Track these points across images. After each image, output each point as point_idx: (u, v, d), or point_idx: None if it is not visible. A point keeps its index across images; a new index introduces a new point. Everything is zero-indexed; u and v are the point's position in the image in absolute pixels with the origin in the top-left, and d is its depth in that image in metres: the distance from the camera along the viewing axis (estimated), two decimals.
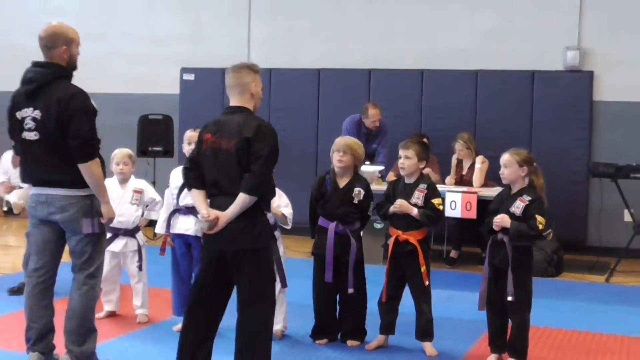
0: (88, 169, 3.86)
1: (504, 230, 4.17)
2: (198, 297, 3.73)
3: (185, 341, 3.75)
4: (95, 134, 3.92)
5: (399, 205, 4.53)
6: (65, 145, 3.85)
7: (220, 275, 3.69)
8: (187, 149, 4.83)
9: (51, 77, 3.93)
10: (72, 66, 4.08)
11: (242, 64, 3.84)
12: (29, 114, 3.92)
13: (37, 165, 3.97)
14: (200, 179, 3.74)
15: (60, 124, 3.84)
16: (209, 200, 3.76)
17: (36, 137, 3.91)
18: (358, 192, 4.68)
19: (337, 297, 4.78)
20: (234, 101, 3.80)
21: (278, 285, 4.48)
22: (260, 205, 3.69)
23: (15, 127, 4.00)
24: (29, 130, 3.93)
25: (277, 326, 4.72)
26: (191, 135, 4.84)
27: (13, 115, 4.00)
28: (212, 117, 3.89)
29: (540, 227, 4.14)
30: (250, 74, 3.79)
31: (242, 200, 3.58)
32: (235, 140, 3.61)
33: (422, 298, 4.56)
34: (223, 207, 3.60)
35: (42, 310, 4.01)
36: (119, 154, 5.25)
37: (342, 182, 4.73)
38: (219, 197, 3.66)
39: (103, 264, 4.19)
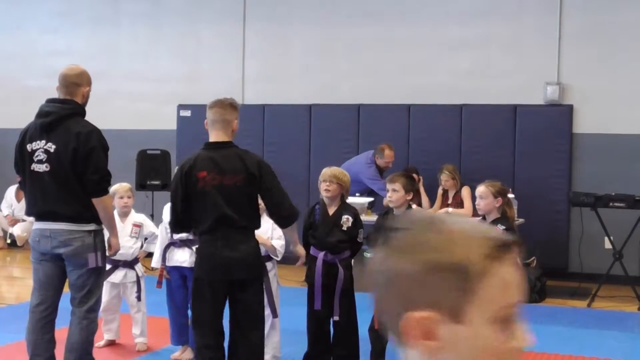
0: (102, 203, 3.95)
1: None
2: (208, 329, 3.87)
3: None
4: (107, 170, 4.07)
5: None
6: (82, 179, 3.90)
7: (223, 303, 3.89)
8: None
9: (69, 112, 4.01)
10: (85, 106, 4.22)
11: (226, 100, 3.98)
12: (40, 146, 3.95)
13: (44, 197, 3.99)
14: (190, 222, 3.96)
15: (77, 158, 3.88)
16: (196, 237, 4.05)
17: (47, 169, 3.93)
18: (346, 220, 4.78)
19: (331, 324, 4.88)
20: (217, 136, 3.91)
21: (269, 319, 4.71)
22: (253, 235, 3.94)
23: (24, 159, 4.03)
24: (39, 162, 3.95)
25: (267, 356, 4.88)
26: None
27: (23, 148, 4.05)
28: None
29: None
30: (234, 111, 3.97)
31: (290, 232, 4.15)
32: (242, 176, 3.78)
33: None
34: (233, 239, 3.80)
35: (45, 344, 4.07)
36: (122, 189, 5.37)
37: (331, 211, 4.84)
38: (225, 230, 3.80)
39: (101, 296, 4.27)
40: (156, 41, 10.15)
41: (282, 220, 3.95)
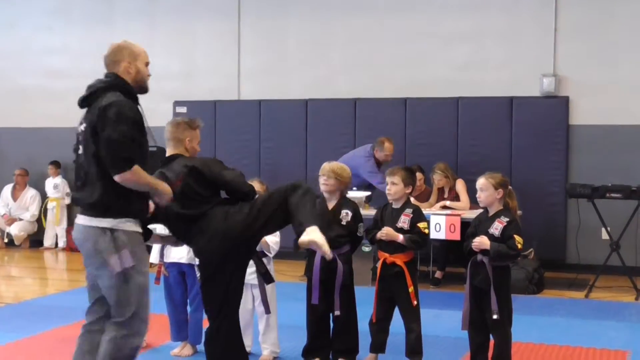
0: (125, 180, 3.39)
1: (483, 251, 4.30)
2: None
3: None
4: (129, 141, 3.41)
5: (386, 233, 4.67)
6: (99, 159, 3.43)
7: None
8: None
9: (104, 86, 3.54)
10: (139, 84, 3.67)
11: (181, 120, 4.17)
12: (83, 126, 3.57)
13: (76, 185, 3.61)
14: None
15: (94, 137, 3.45)
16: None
17: (80, 153, 3.57)
18: (345, 214, 4.79)
19: (330, 317, 4.87)
20: (169, 152, 4.13)
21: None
22: None
23: (76, 141, 3.65)
24: (80, 143, 3.57)
25: (265, 352, 4.93)
26: None
27: (77, 129, 3.65)
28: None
29: (519, 246, 4.27)
30: (187, 130, 4.12)
31: None
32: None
33: (411, 317, 4.67)
34: None
35: (80, 356, 3.62)
36: None
37: (330, 205, 4.85)
38: None
39: (144, 305, 3.52)
40: (151, 38, 10.11)
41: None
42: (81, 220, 3.52)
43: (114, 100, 3.45)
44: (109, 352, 3.48)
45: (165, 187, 3.63)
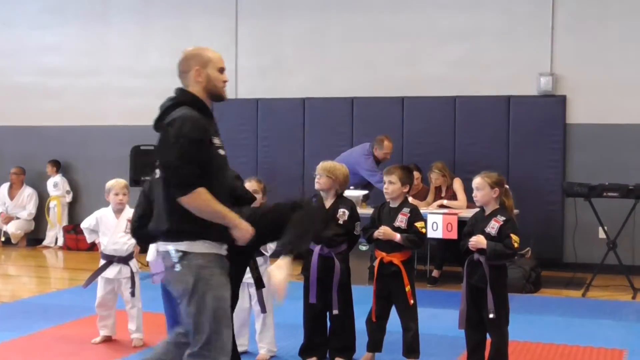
0: (191, 203, 3.15)
1: (480, 250, 4.30)
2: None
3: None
4: (189, 162, 3.14)
5: (383, 232, 4.67)
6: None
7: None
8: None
9: (171, 104, 3.37)
10: (212, 92, 3.41)
11: None
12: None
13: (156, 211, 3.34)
14: None
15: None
16: None
17: (156, 176, 3.33)
18: (342, 213, 4.78)
19: (327, 316, 4.88)
20: None
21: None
22: None
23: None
24: (157, 167, 3.34)
25: (262, 350, 4.92)
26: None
27: None
28: None
29: (516, 245, 4.27)
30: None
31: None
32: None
33: (408, 316, 4.68)
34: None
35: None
36: (118, 185, 5.32)
37: (327, 204, 4.84)
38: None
39: (219, 333, 3.20)
40: (147, 36, 10.12)
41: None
42: (161, 246, 3.29)
43: (176, 116, 3.24)
44: None
45: (244, 225, 3.28)
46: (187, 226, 3.19)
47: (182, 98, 3.37)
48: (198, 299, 3.17)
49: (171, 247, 3.22)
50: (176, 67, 3.47)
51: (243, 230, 3.28)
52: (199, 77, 3.38)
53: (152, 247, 5.10)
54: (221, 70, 3.43)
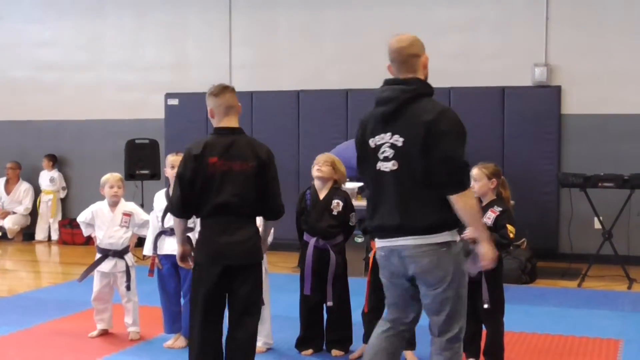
0: (461, 201, 3.18)
1: (475, 241, 4.38)
2: (206, 313, 3.80)
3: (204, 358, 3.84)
4: (467, 160, 3.21)
5: None
6: (431, 175, 3.18)
7: (222, 288, 3.84)
8: (171, 172, 4.92)
9: (411, 96, 3.25)
10: (427, 79, 3.38)
11: (230, 86, 3.91)
12: (386, 140, 3.27)
13: (390, 205, 3.28)
14: (195, 206, 3.83)
15: (426, 151, 3.16)
16: (195, 222, 3.95)
17: (394, 168, 3.25)
18: (337, 204, 4.82)
19: (324, 308, 4.90)
20: (229, 122, 3.84)
21: None
22: (256, 222, 3.92)
23: (368, 157, 3.35)
24: (385, 159, 3.26)
25: (259, 343, 4.86)
26: (174, 159, 4.95)
27: (364, 143, 3.36)
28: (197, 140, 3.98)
29: (512, 235, 4.29)
30: (235, 96, 3.91)
31: (271, 226, 3.98)
32: (253, 164, 3.75)
33: None
34: (231, 225, 3.76)
35: (383, 353, 3.48)
36: (113, 178, 5.31)
37: (321, 195, 4.88)
38: (224, 216, 3.75)
39: (464, 320, 3.39)
40: (142, 30, 10.09)
41: (270, 213, 3.92)
42: (410, 241, 3.25)
43: (441, 110, 3.21)
44: None
45: (489, 247, 3.40)
46: (450, 217, 3.25)
47: (423, 90, 3.29)
48: (456, 287, 3.29)
49: (425, 240, 3.23)
50: (400, 52, 3.30)
51: (489, 248, 3.42)
52: (427, 64, 3.34)
53: (149, 241, 5.13)
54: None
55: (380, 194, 3.32)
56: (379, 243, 3.42)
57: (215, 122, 3.89)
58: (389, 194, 3.28)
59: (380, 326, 3.53)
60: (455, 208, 3.20)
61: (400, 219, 3.25)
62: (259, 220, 3.99)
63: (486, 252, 3.40)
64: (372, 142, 3.33)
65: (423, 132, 3.17)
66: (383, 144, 3.28)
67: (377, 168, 3.30)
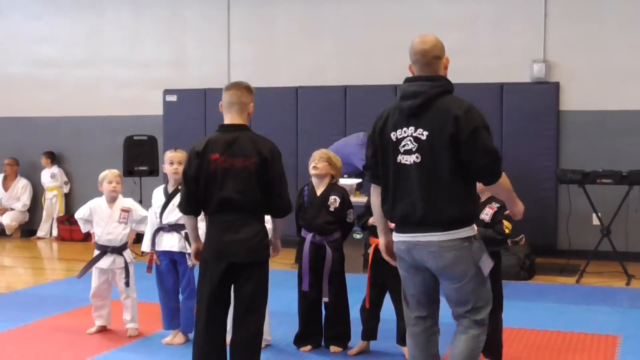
0: (498, 188, 3.40)
1: None
2: (210, 309, 3.80)
3: (207, 354, 3.84)
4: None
5: None
6: (462, 168, 3.27)
7: (227, 286, 3.84)
8: (169, 169, 4.94)
9: (440, 91, 3.32)
10: None
11: (242, 83, 3.95)
12: (408, 133, 3.31)
13: (413, 198, 3.31)
14: (200, 203, 3.84)
15: (456, 145, 3.23)
16: (205, 218, 3.94)
17: (417, 161, 3.29)
18: (334, 200, 4.81)
19: (322, 304, 4.90)
20: (232, 119, 3.87)
21: None
22: (264, 218, 3.91)
23: (387, 149, 3.38)
24: (407, 152, 3.31)
25: None
26: (172, 155, 4.96)
27: (384, 136, 3.39)
28: (195, 136, 3.97)
29: (507, 231, 4.28)
30: (250, 94, 3.94)
31: (280, 223, 3.93)
32: (254, 160, 3.75)
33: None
34: (236, 222, 3.75)
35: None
36: (111, 174, 5.30)
37: (319, 192, 4.87)
38: (229, 213, 3.76)
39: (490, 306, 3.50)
40: (141, 26, 10.08)
41: (276, 210, 3.91)
42: (431, 237, 3.31)
43: (469, 107, 3.31)
44: (473, 347, 3.46)
45: (520, 203, 3.65)
46: (471, 211, 3.37)
47: (449, 87, 3.38)
48: (479, 279, 3.39)
49: (448, 236, 3.30)
50: (424, 54, 3.40)
51: (520, 206, 3.67)
52: (446, 68, 3.43)
53: (147, 237, 5.12)
54: None
55: (401, 187, 3.35)
56: (399, 237, 3.45)
57: (224, 118, 3.93)
58: (411, 186, 3.32)
59: (410, 331, 3.59)
60: (494, 193, 3.44)
61: (424, 211, 3.30)
62: (268, 218, 3.99)
63: (519, 209, 3.64)
64: (394, 135, 3.36)
65: (452, 126, 3.23)
66: (405, 137, 3.32)
67: (398, 161, 3.34)
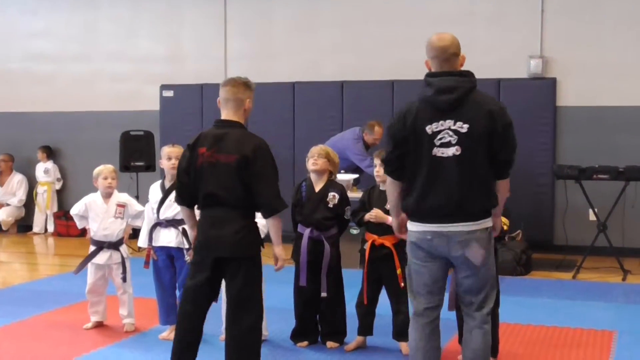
0: (505, 184, 3.57)
1: None
2: (190, 302, 3.83)
3: (180, 344, 3.84)
4: None
5: (375, 215, 4.67)
6: (493, 162, 3.42)
7: (212, 281, 3.84)
8: (167, 164, 4.93)
9: (472, 86, 3.45)
10: None
11: (240, 79, 3.95)
12: (446, 126, 3.38)
13: (449, 189, 3.41)
14: (192, 195, 3.87)
15: (489, 139, 3.37)
16: (198, 212, 3.95)
17: (457, 153, 3.38)
18: (332, 197, 4.81)
19: (319, 300, 4.88)
20: (227, 115, 3.89)
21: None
22: (254, 215, 3.90)
23: (421, 143, 3.42)
24: (445, 145, 3.38)
25: None
26: (169, 150, 4.95)
27: (415, 130, 3.43)
28: (192, 132, 4.00)
29: (505, 227, 4.30)
30: (247, 90, 3.93)
31: (274, 225, 3.88)
32: (236, 157, 3.75)
33: (399, 300, 4.68)
34: (221, 217, 3.77)
35: (432, 351, 3.64)
36: (106, 170, 5.29)
37: (317, 187, 4.87)
38: (215, 208, 3.80)
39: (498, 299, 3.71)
40: (137, 21, 10.05)
41: (261, 208, 3.87)
42: (461, 227, 3.43)
43: (501, 104, 3.50)
44: (488, 343, 3.61)
45: (501, 220, 3.79)
46: (494, 202, 3.52)
47: (475, 82, 3.49)
48: (493, 267, 3.60)
49: (474, 226, 3.44)
50: (444, 51, 3.50)
51: (501, 221, 3.77)
52: (464, 63, 3.54)
53: (143, 233, 5.11)
54: None
55: (435, 179, 3.42)
56: (424, 227, 3.49)
57: (220, 114, 3.95)
58: (448, 178, 3.40)
59: (417, 321, 3.61)
60: (500, 188, 3.51)
61: (461, 202, 3.40)
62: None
63: (498, 224, 3.68)
64: (429, 129, 3.41)
65: (488, 120, 3.37)
66: (442, 130, 3.40)
67: (433, 154, 3.41)
